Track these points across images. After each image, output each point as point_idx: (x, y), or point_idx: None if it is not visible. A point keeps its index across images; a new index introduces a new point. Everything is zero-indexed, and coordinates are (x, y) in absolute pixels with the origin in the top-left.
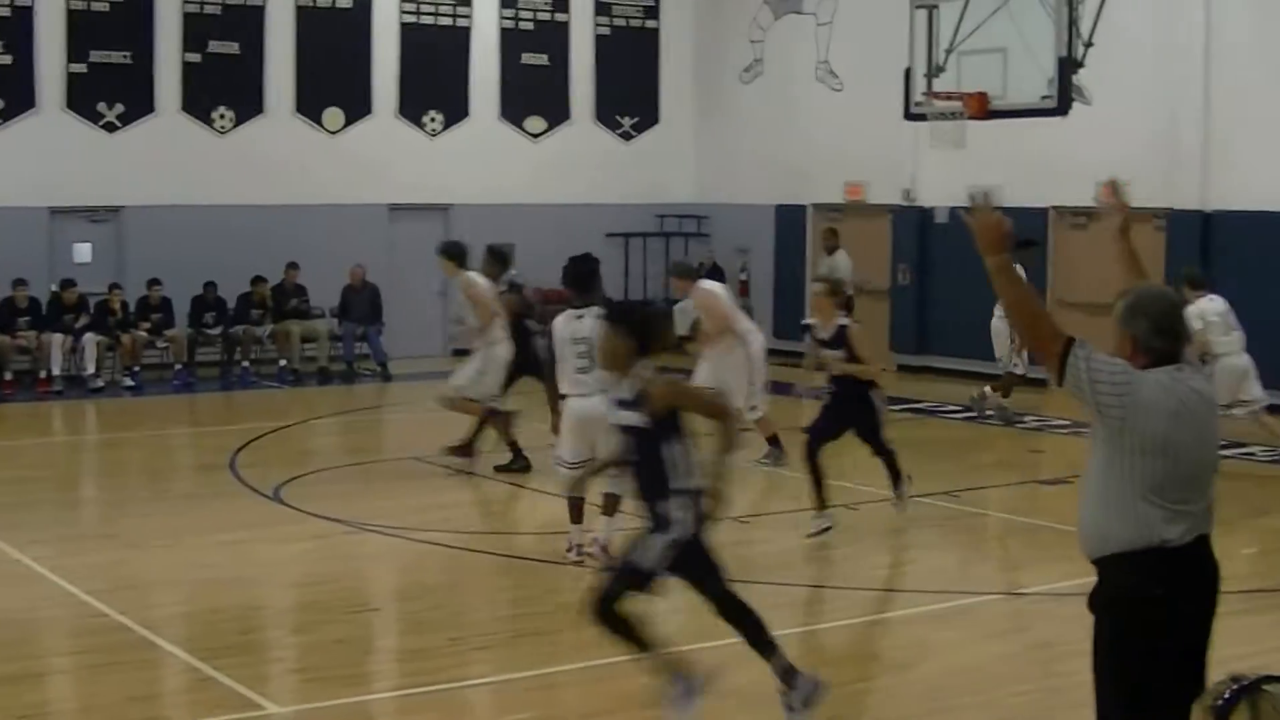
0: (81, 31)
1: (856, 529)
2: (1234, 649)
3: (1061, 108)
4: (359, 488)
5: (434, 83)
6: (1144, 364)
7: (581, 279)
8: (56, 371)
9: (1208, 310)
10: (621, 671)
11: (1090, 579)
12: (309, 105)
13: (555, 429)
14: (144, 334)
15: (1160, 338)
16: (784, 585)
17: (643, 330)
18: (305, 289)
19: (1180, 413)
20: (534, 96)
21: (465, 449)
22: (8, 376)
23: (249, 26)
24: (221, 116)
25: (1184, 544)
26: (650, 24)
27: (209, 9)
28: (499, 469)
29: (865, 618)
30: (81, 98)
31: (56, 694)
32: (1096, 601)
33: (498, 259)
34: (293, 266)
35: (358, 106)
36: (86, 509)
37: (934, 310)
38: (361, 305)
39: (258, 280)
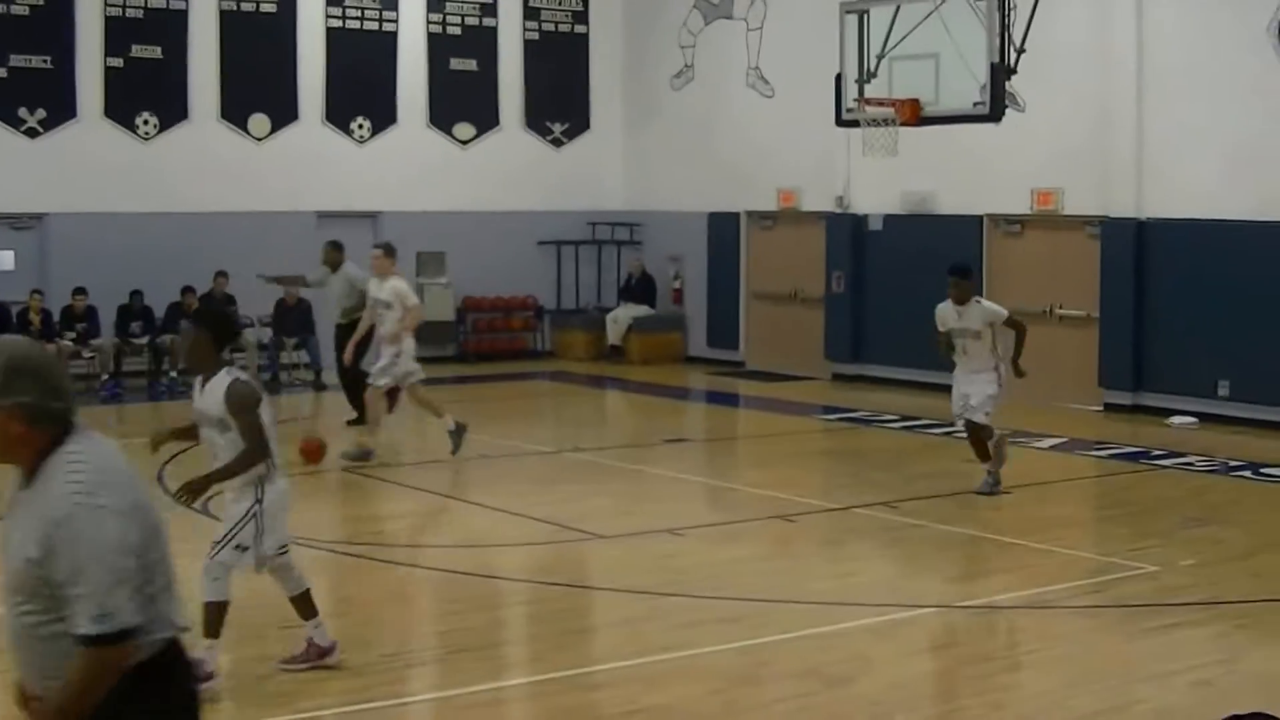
0: (0, 35)
1: (794, 540)
2: (1174, 663)
3: (994, 114)
4: (290, 499)
5: (361, 88)
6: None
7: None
8: None
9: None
10: (563, 685)
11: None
12: (234, 111)
13: None
14: (69, 344)
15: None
16: (723, 599)
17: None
18: (234, 297)
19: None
20: (463, 102)
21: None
22: None
23: (172, 31)
24: (145, 122)
25: None
26: (579, 29)
27: (130, 13)
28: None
29: (804, 631)
30: (2, 103)
31: None
32: None
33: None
34: (221, 275)
35: (284, 113)
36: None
37: (869, 318)
38: (294, 319)
39: (186, 290)
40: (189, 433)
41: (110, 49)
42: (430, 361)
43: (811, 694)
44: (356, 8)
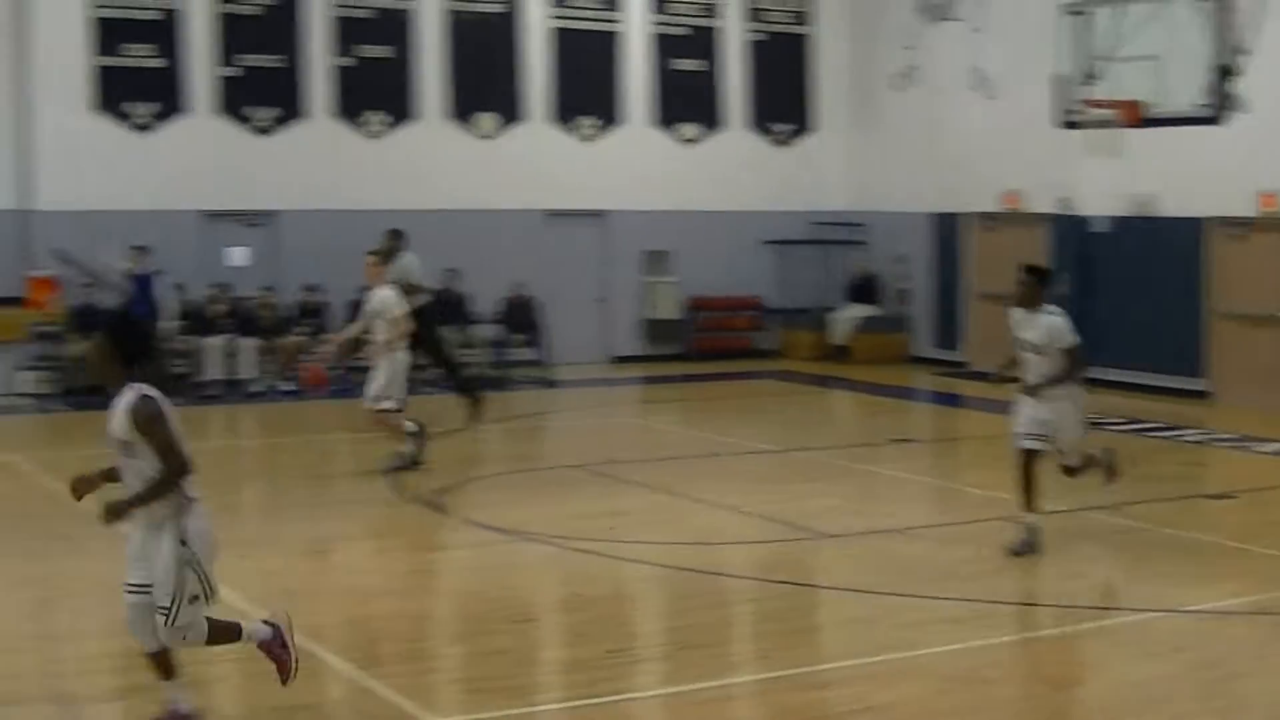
0: (232, 35)
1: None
2: None
3: (1218, 116)
4: (519, 495)
5: (587, 88)
6: None
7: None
8: (214, 376)
9: None
10: (790, 684)
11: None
12: (461, 110)
13: None
14: (302, 338)
15: None
16: (949, 600)
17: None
18: (464, 296)
19: None
20: (687, 102)
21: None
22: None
23: (400, 31)
24: (374, 121)
25: None
26: (802, 30)
27: (359, 13)
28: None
29: (1031, 633)
30: (233, 102)
31: (214, 700)
32: None
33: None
34: (453, 273)
35: (511, 112)
36: (243, 515)
37: (1095, 320)
38: (523, 315)
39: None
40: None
41: (340, 49)
42: (656, 360)
43: (1038, 697)
44: (580, 8)
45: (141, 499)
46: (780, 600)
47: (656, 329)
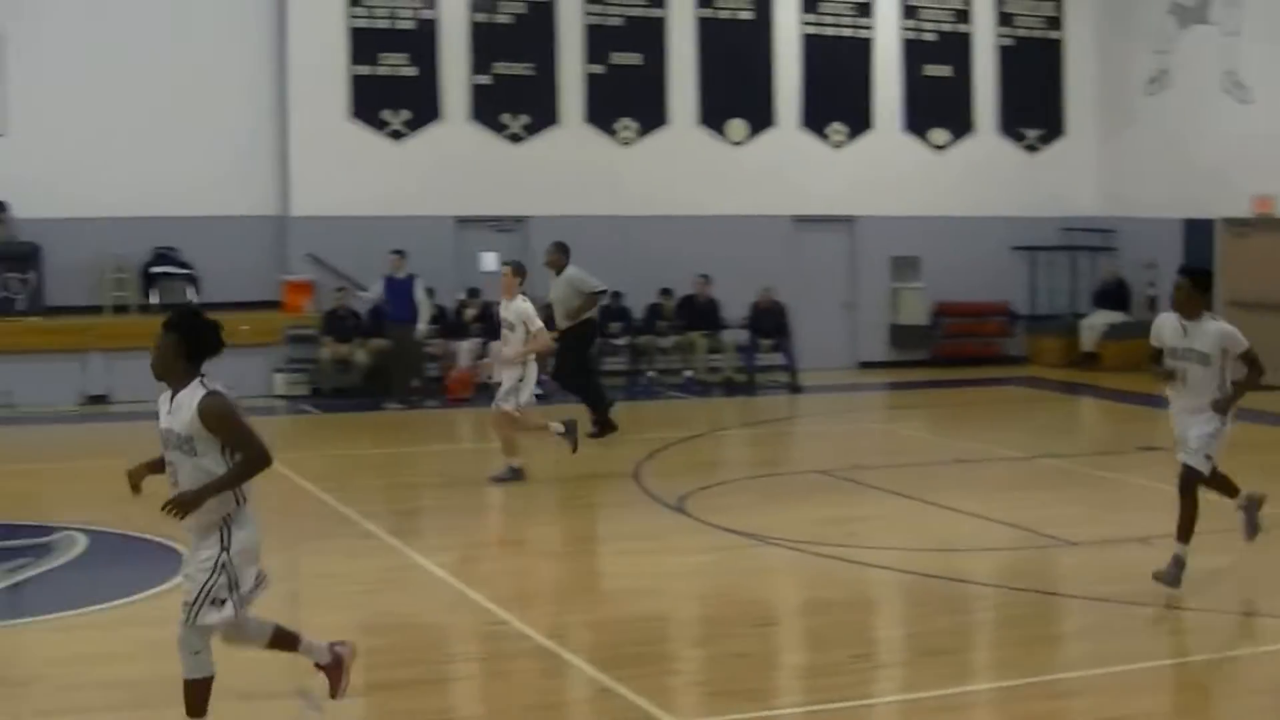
0: (485, 44)
1: (1272, 550)
2: None
3: None
4: (763, 500)
5: (837, 94)
6: None
7: None
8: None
9: None
10: (1030, 692)
11: None
12: (712, 116)
13: None
14: (551, 342)
15: None
16: (1194, 610)
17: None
18: (717, 302)
19: None
20: (937, 108)
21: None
22: (415, 383)
23: (651, 38)
24: (625, 128)
25: None
26: (1053, 35)
27: (611, 21)
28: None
29: (1273, 646)
30: (485, 109)
31: (459, 700)
32: None
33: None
34: (703, 278)
35: (761, 117)
36: (490, 516)
37: None
38: (771, 320)
39: (664, 292)
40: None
41: (591, 56)
42: (903, 365)
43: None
44: (832, 15)
45: (218, 486)
46: (1022, 607)
47: (903, 334)
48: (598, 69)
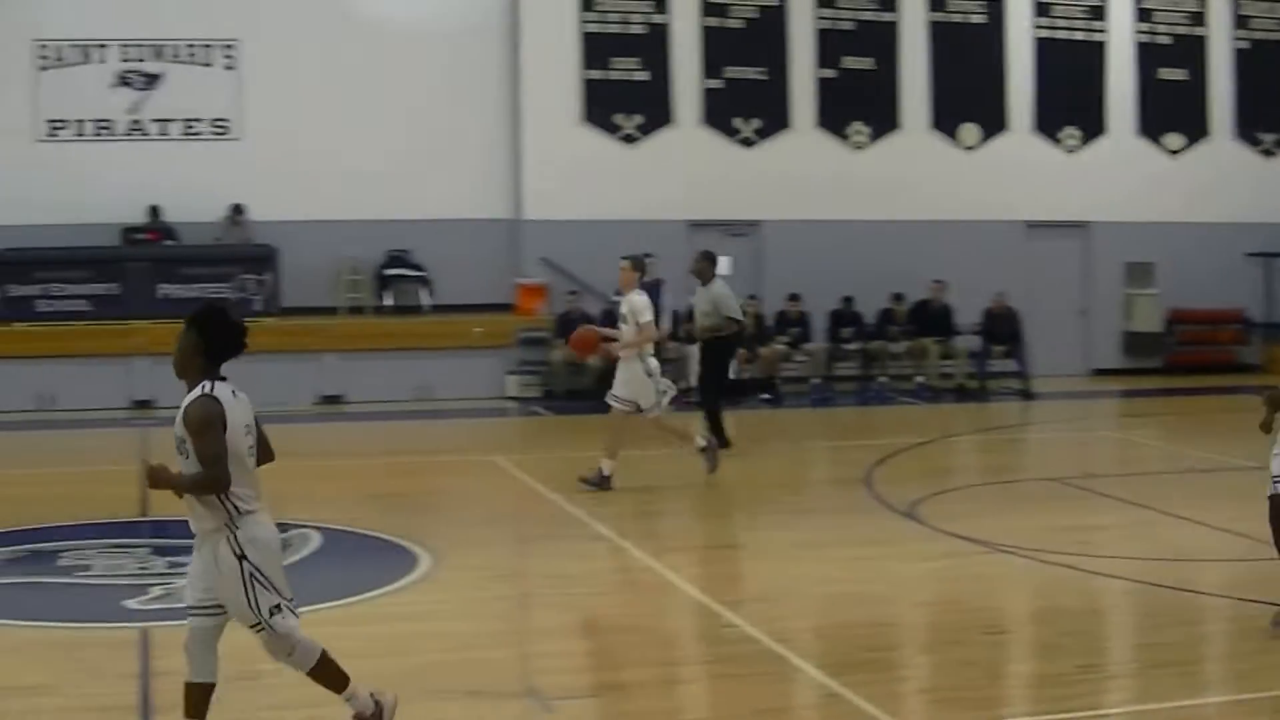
0: (716, 48)
1: None
2: None
3: None
4: (995, 507)
5: (1070, 98)
6: None
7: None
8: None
9: None
10: (1263, 706)
11: None
12: (944, 120)
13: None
14: (782, 347)
15: None
16: None
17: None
18: (950, 308)
19: None
20: (1172, 112)
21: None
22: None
23: (882, 42)
24: (857, 132)
25: None
26: None
27: (842, 25)
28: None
29: None
30: (717, 114)
31: (687, 702)
32: None
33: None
34: (938, 283)
35: (993, 122)
36: (720, 520)
37: None
38: (1003, 326)
39: (897, 297)
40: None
41: (822, 60)
42: (1136, 373)
43: None
44: (1064, 18)
45: (179, 484)
46: (1255, 620)
47: (1137, 341)
48: (829, 73)
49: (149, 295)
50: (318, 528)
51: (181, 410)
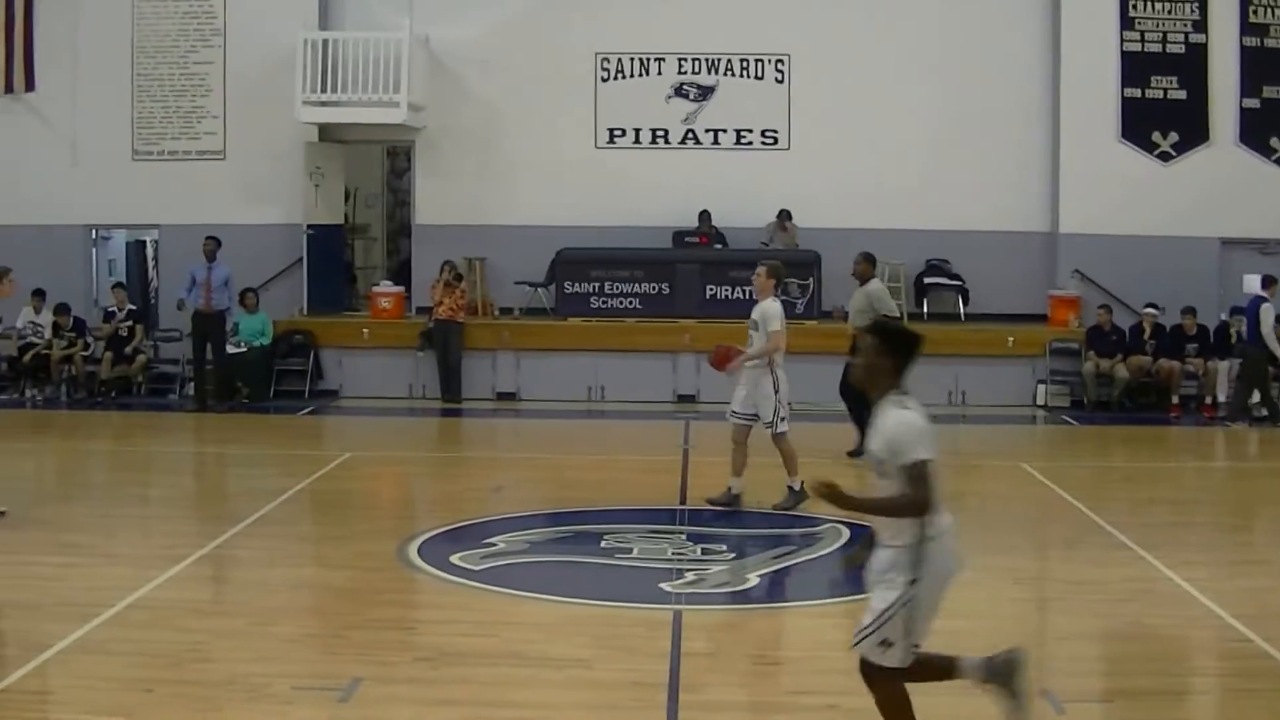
0: (1254, 67)
1: None
2: None
3: None
4: None
5: None
6: None
7: None
8: (1221, 398)
9: None
10: None
11: None
12: None
13: None
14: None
15: None
16: None
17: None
18: None
19: None
20: None
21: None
22: (1174, 400)
23: None
24: None
25: None
26: None
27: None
28: None
29: None
30: (1253, 133)
31: (1196, 713)
32: None
33: None
34: None
35: None
36: (1241, 533)
37: None
38: None
39: None
40: None
41: None
42: None
43: None
44: None
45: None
46: None
47: None
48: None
49: (697, 296)
50: (847, 522)
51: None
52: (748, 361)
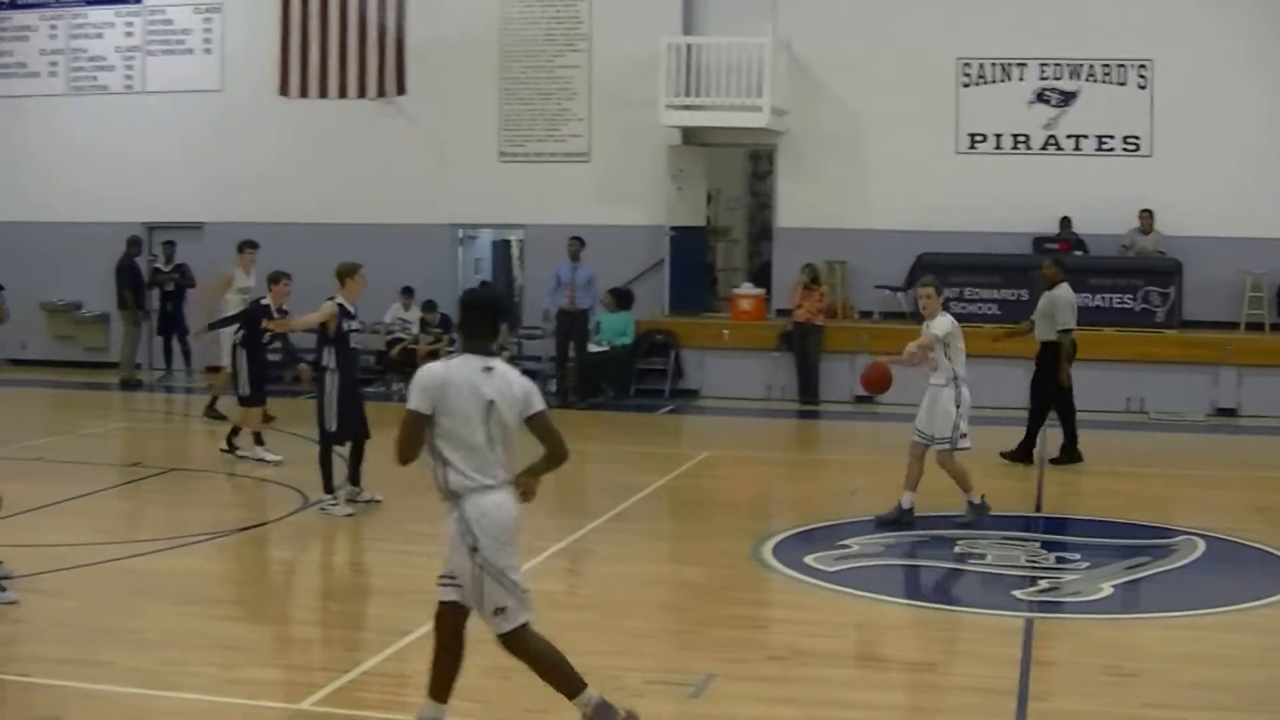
0: None
1: None
2: None
3: None
4: None
5: None
6: None
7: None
8: None
9: None
10: None
11: None
12: None
13: None
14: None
15: None
16: None
17: None
18: None
19: None
20: None
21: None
22: None
23: None
24: None
25: None
26: None
27: None
28: None
29: None
30: None
31: None
32: None
33: None
34: None
35: None
36: None
37: None
38: None
39: None
40: None
41: None
42: None
43: None
44: None
45: None
46: None
47: None
48: None
49: None
50: (1203, 535)
51: None
52: (931, 378)
